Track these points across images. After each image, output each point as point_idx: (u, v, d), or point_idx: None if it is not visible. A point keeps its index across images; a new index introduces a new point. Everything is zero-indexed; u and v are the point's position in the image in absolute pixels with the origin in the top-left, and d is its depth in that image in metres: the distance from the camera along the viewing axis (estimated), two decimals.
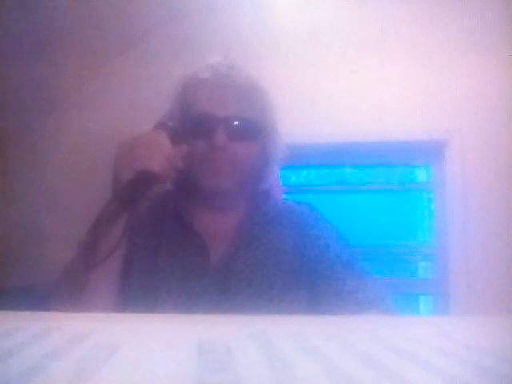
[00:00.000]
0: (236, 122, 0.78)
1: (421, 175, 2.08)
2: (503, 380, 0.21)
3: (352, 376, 0.21)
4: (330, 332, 0.31)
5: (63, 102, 1.99)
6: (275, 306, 0.74)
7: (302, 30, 1.97)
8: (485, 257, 1.78)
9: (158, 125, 0.78)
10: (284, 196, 1.12)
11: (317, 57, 1.96)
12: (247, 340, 0.27)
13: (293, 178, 2.15)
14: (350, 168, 2.09)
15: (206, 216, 0.82)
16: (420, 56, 1.94)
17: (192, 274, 0.77)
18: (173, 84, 0.85)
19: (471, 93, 1.90)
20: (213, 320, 0.35)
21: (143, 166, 0.70)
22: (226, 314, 0.36)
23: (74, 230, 0.75)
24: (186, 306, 0.73)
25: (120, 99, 1.95)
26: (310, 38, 1.96)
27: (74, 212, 1.75)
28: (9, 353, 0.23)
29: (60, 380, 0.20)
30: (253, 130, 0.81)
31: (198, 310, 0.73)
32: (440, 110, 1.90)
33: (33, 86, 1.97)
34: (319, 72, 1.96)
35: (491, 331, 0.33)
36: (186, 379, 0.20)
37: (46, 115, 1.98)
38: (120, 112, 1.90)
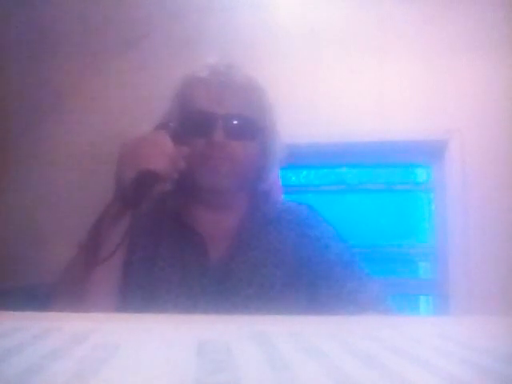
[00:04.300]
0: (235, 121, 0.78)
1: (421, 175, 2.08)
2: (503, 380, 0.21)
3: (352, 376, 0.21)
4: (330, 332, 0.31)
5: (63, 102, 1.99)
6: (275, 306, 0.74)
7: (302, 29, 1.97)
8: (485, 257, 1.78)
9: (160, 125, 0.78)
10: (284, 196, 1.12)
11: (317, 57, 1.96)
12: (247, 340, 0.27)
13: (293, 178, 2.14)
14: (350, 168, 2.09)
15: (205, 216, 0.82)
16: (420, 56, 1.94)
17: (192, 274, 0.77)
18: (172, 84, 0.85)
19: (471, 93, 1.90)
20: (213, 320, 0.35)
21: (146, 166, 0.70)
22: (225, 313, 0.36)
23: (75, 230, 0.75)
24: (186, 306, 0.73)
25: (120, 99, 1.95)
26: (310, 37, 1.96)
27: (74, 212, 1.75)
28: (9, 353, 0.23)
29: (60, 380, 0.20)
30: (251, 129, 0.81)
31: (198, 310, 0.73)
32: (440, 110, 1.90)
33: (33, 86, 1.97)
34: (319, 72, 1.96)
35: (491, 331, 0.33)
36: (185, 379, 0.20)
37: (47, 115, 1.98)
38: (120, 112, 1.90)
